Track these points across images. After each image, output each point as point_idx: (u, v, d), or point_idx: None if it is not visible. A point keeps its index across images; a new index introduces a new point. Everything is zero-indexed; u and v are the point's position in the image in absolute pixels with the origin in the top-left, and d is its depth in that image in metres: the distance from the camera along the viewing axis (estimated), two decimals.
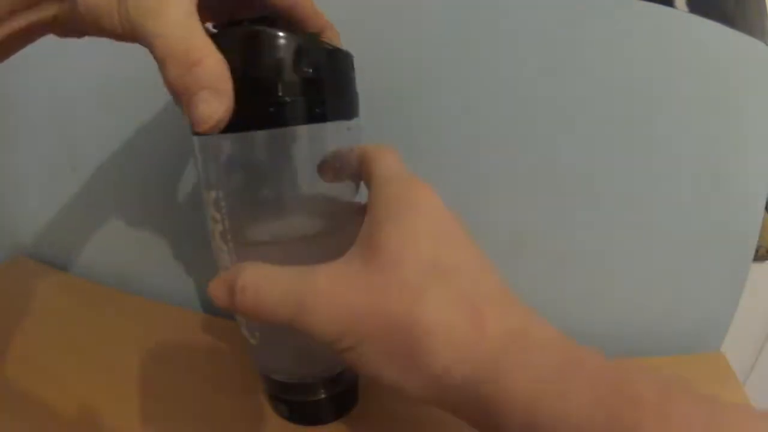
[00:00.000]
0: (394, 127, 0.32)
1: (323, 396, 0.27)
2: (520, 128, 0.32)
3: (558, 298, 0.35)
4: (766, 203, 0.34)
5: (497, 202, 0.34)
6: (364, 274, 0.17)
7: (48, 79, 0.44)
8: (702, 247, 0.34)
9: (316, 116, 0.19)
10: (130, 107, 0.40)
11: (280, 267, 0.18)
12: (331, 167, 0.22)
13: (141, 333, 0.37)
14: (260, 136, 0.20)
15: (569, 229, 0.34)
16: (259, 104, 0.18)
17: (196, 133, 0.20)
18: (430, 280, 0.16)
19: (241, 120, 0.18)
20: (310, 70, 0.18)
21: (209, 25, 0.20)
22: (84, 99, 0.42)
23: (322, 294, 0.16)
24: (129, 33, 0.17)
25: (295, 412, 0.28)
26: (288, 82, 0.18)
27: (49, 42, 0.39)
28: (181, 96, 0.16)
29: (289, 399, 0.27)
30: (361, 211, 0.20)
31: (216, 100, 0.16)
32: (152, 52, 0.16)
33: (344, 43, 0.23)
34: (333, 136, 0.21)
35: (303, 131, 0.20)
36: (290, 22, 0.21)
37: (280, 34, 0.18)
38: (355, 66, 0.22)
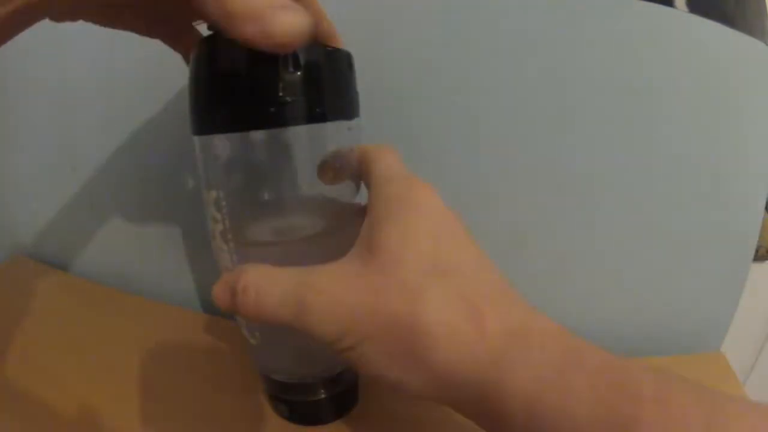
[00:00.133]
0: (394, 127, 0.32)
1: (323, 396, 0.27)
2: (520, 128, 0.32)
3: (558, 298, 0.35)
4: (766, 203, 0.34)
5: (497, 202, 0.34)
6: (365, 274, 0.17)
7: (48, 79, 0.44)
8: (702, 247, 0.34)
9: (316, 116, 0.19)
10: (131, 107, 0.40)
11: (280, 268, 0.18)
12: (330, 168, 0.22)
13: (141, 333, 0.37)
14: (260, 136, 0.20)
15: (569, 229, 0.34)
16: (259, 104, 0.18)
17: (197, 133, 0.20)
18: (430, 280, 0.16)
19: (241, 120, 0.18)
20: (310, 70, 0.18)
21: (205, 26, 0.20)
22: (84, 99, 0.42)
23: (323, 294, 0.16)
24: None
25: (295, 412, 0.28)
26: (288, 83, 0.18)
27: (49, 42, 0.39)
28: (245, 21, 0.14)
29: (289, 399, 0.27)
30: (362, 211, 0.20)
31: (294, 12, 0.14)
32: None
33: (344, 43, 0.23)
34: (333, 136, 0.21)
35: (303, 131, 0.20)
36: None
37: None
38: (355, 66, 0.22)
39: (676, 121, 0.31)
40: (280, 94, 0.18)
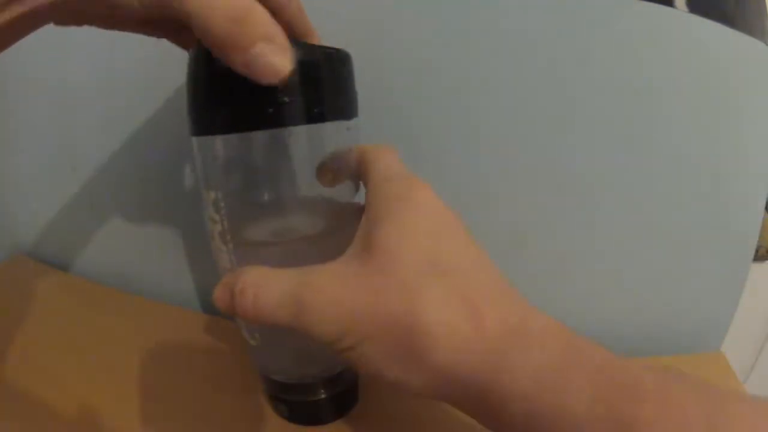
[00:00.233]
0: (394, 127, 0.32)
1: (323, 396, 0.27)
2: (520, 128, 0.32)
3: (558, 298, 0.35)
4: (766, 203, 0.34)
5: (497, 202, 0.34)
6: (363, 273, 0.17)
7: (48, 79, 0.44)
8: (702, 247, 0.34)
9: (314, 116, 0.19)
10: (131, 107, 0.40)
11: (279, 269, 0.18)
12: (329, 170, 0.22)
13: (141, 333, 0.36)
14: (259, 136, 0.20)
15: (569, 229, 0.34)
16: (257, 105, 0.18)
17: (196, 134, 0.20)
18: (429, 279, 0.16)
19: (239, 121, 0.18)
20: (309, 71, 0.18)
21: None
22: (84, 99, 0.42)
23: (322, 294, 0.16)
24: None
25: (295, 412, 0.28)
26: (285, 83, 0.18)
27: (49, 42, 0.39)
28: (231, 51, 0.15)
29: (289, 399, 0.27)
30: (361, 211, 0.20)
31: (277, 53, 0.15)
32: (186, 10, 0.15)
33: (344, 43, 0.23)
34: (332, 136, 0.21)
35: (302, 131, 0.20)
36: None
37: None
38: (354, 66, 0.22)
39: (676, 121, 0.31)
40: (279, 94, 0.18)
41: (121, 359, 0.33)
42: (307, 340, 0.17)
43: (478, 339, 0.16)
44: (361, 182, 0.22)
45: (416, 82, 0.33)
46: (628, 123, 0.31)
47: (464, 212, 0.19)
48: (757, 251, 0.34)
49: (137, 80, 0.38)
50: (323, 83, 0.19)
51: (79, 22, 0.19)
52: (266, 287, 0.17)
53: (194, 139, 0.21)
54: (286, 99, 0.18)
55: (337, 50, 0.20)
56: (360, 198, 0.23)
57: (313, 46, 0.19)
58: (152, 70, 0.37)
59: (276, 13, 0.21)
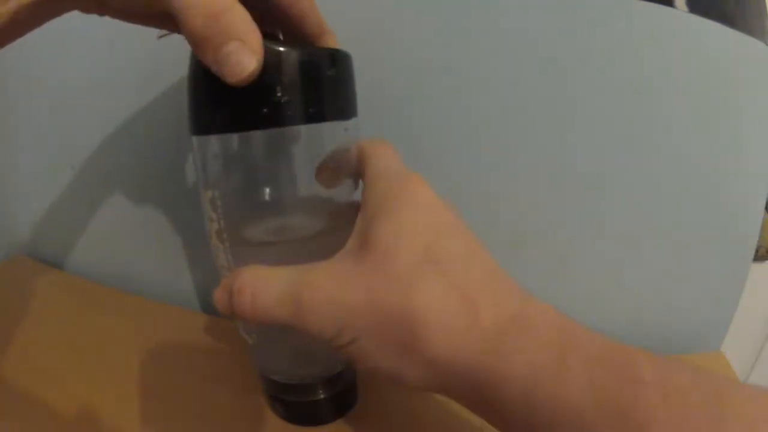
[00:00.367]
0: (394, 127, 0.32)
1: (322, 396, 0.27)
2: (520, 128, 0.32)
3: (558, 297, 0.35)
4: (766, 203, 0.34)
5: (497, 202, 0.34)
6: (360, 270, 0.17)
7: (48, 79, 0.44)
8: (702, 247, 0.34)
9: (312, 116, 0.19)
10: (130, 107, 0.40)
11: (276, 268, 0.18)
12: (327, 169, 0.22)
13: (141, 333, 0.36)
14: (256, 136, 0.20)
15: (570, 228, 0.34)
16: (255, 104, 0.18)
17: (195, 133, 0.20)
18: (423, 271, 0.16)
19: (237, 120, 0.18)
20: (307, 71, 0.18)
21: None
22: (84, 99, 0.42)
23: (319, 292, 0.17)
24: None
25: (294, 413, 0.28)
26: (284, 83, 0.18)
27: (49, 42, 0.39)
28: (205, 48, 0.16)
29: (288, 399, 0.27)
30: (359, 210, 0.20)
31: (246, 53, 0.16)
32: (172, 5, 0.15)
33: (344, 43, 0.23)
34: (330, 136, 0.21)
35: (299, 131, 0.20)
36: (289, 20, 0.21)
37: (278, 37, 0.18)
38: (354, 66, 0.22)
39: (676, 121, 0.31)
40: (278, 94, 0.18)
41: (121, 359, 0.33)
42: (305, 337, 0.17)
43: (475, 330, 0.16)
44: (359, 179, 0.22)
45: (416, 82, 0.33)
46: (629, 123, 0.31)
47: (464, 212, 0.19)
48: (757, 251, 0.34)
49: (137, 80, 0.38)
50: (323, 83, 0.19)
51: (101, 11, 0.20)
52: (264, 287, 0.17)
53: (194, 138, 0.21)
54: (284, 99, 0.18)
55: (336, 51, 0.20)
56: (359, 196, 0.23)
57: (313, 46, 0.19)
58: (152, 70, 0.37)
59: (288, 8, 0.21)
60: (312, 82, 0.19)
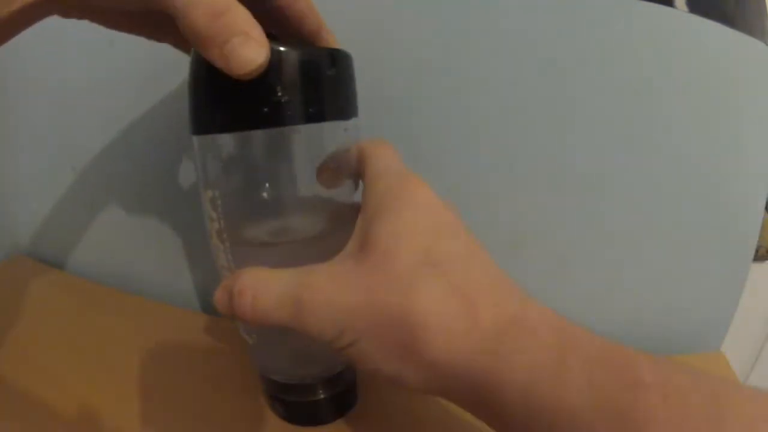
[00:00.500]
0: (394, 127, 0.32)
1: (322, 396, 0.27)
2: (520, 128, 0.32)
3: (558, 298, 0.35)
4: (766, 203, 0.34)
5: (497, 202, 0.34)
6: (358, 270, 0.17)
7: (48, 79, 0.44)
8: (702, 247, 0.34)
9: (312, 116, 0.19)
10: (130, 107, 0.40)
11: (276, 270, 0.18)
12: (327, 170, 0.22)
13: (141, 333, 0.36)
14: (256, 135, 0.20)
15: (569, 229, 0.34)
16: (257, 104, 0.18)
17: (196, 132, 0.20)
18: (423, 273, 0.16)
19: (237, 120, 0.18)
20: (307, 71, 0.18)
21: None
22: (84, 99, 0.42)
23: (319, 295, 0.17)
24: None
25: (294, 413, 0.28)
26: (284, 82, 0.18)
27: (49, 42, 0.39)
28: (210, 45, 0.16)
29: (288, 399, 0.27)
30: (359, 211, 0.20)
31: (253, 45, 0.16)
32: (172, 5, 0.16)
33: (344, 43, 0.23)
34: (330, 136, 0.21)
35: (299, 131, 0.20)
36: (288, 21, 0.21)
37: (278, 37, 0.18)
38: (355, 66, 0.22)
39: (676, 121, 0.31)
40: (278, 93, 0.18)
41: (121, 359, 0.33)
42: (306, 339, 0.17)
43: (473, 330, 0.16)
44: (360, 180, 0.22)
45: (416, 82, 0.33)
46: (628, 123, 0.31)
47: (464, 212, 0.19)
48: (757, 251, 0.34)
49: (137, 80, 0.38)
50: (323, 83, 0.19)
51: (81, 15, 0.20)
52: (264, 289, 0.17)
53: (194, 138, 0.21)
54: (284, 99, 0.18)
55: (336, 50, 0.20)
56: (359, 197, 0.23)
57: (314, 46, 0.19)
58: (152, 70, 0.37)
59: (286, 8, 0.21)
60: (312, 82, 0.19)
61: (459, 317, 0.16)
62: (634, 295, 0.36)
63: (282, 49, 0.18)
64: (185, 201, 0.41)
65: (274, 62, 0.18)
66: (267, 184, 0.22)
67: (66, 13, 0.19)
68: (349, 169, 0.22)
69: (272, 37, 0.18)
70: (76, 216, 0.47)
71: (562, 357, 0.15)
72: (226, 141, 0.20)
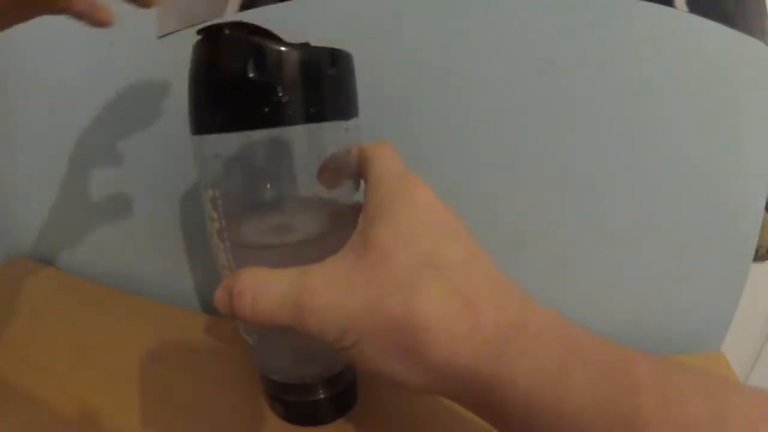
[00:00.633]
0: (394, 127, 0.32)
1: (322, 396, 0.27)
2: (520, 129, 0.32)
3: (558, 298, 0.35)
4: (766, 203, 0.34)
5: (497, 202, 0.34)
6: (360, 272, 0.17)
7: (48, 79, 0.44)
8: (702, 247, 0.34)
9: (312, 116, 0.19)
10: (131, 107, 0.40)
11: (277, 270, 0.18)
12: (328, 170, 0.22)
13: (141, 333, 0.37)
14: (257, 135, 0.20)
15: (569, 229, 0.34)
16: (257, 104, 0.18)
17: (196, 132, 0.20)
18: (424, 275, 0.16)
19: (239, 119, 0.18)
20: (307, 71, 0.18)
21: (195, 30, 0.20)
22: (84, 99, 0.42)
23: (319, 296, 0.16)
24: None
25: (294, 413, 0.28)
26: (285, 82, 0.18)
27: (49, 42, 0.39)
28: None
29: (288, 399, 0.27)
30: (360, 211, 0.20)
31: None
32: None
33: (344, 43, 0.23)
34: (330, 136, 0.21)
35: (300, 131, 0.20)
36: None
37: (279, 37, 0.18)
38: (355, 66, 0.22)
39: (676, 121, 0.31)
40: (279, 94, 0.18)
41: (121, 359, 0.33)
42: (306, 338, 0.17)
43: (475, 334, 0.16)
44: (361, 180, 0.22)
45: (416, 82, 0.33)
46: (628, 123, 0.31)
47: (464, 212, 0.19)
48: (757, 251, 0.34)
49: (137, 80, 0.39)
50: (323, 83, 0.19)
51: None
52: (264, 289, 0.17)
53: (195, 138, 0.21)
54: (284, 99, 0.18)
55: (337, 50, 0.20)
56: (360, 197, 0.23)
57: (314, 46, 0.19)
58: (152, 70, 0.37)
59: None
60: (313, 82, 0.19)
61: (460, 320, 0.16)
62: (634, 295, 0.36)
63: (283, 48, 0.18)
64: (185, 201, 0.41)
65: (275, 62, 0.18)
66: (268, 184, 0.22)
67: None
68: (350, 169, 0.22)
69: (273, 36, 0.18)
70: (76, 216, 0.48)
71: (563, 360, 0.15)
72: (227, 141, 0.20)
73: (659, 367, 0.15)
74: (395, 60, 0.32)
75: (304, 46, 0.19)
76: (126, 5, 0.24)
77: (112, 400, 0.30)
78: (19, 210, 0.51)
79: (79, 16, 0.24)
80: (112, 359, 0.33)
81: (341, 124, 0.21)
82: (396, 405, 0.29)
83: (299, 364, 0.26)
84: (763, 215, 0.34)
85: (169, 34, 0.35)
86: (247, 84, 0.17)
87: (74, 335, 0.37)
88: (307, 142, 0.21)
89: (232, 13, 0.34)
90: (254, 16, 0.34)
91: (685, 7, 0.29)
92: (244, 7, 0.34)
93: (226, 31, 0.18)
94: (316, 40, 0.19)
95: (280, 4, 0.33)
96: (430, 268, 0.16)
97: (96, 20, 0.25)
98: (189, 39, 0.20)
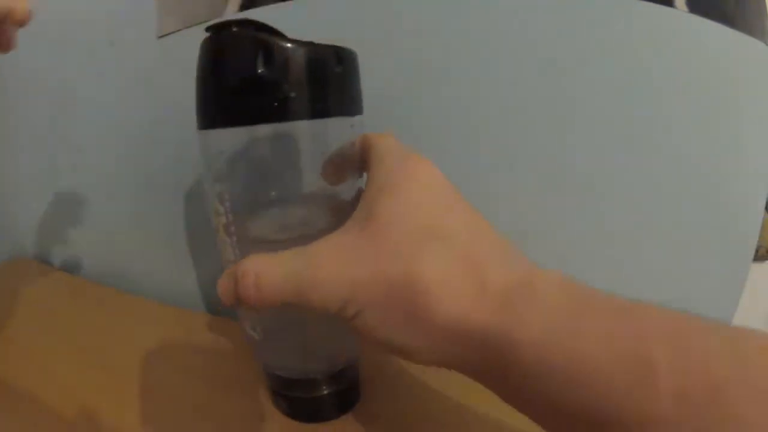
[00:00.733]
0: (394, 127, 0.32)
1: (325, 392, 0.27)
2: (521, 128, 0.32)
3: None
4: (766, 203, 0.34)
5: (497, 202, 0.34)
6: (361, 243, 0.17)
7: (48, 79, 0.44)
8: (702, 247, 0.34)
9: (318, 112, 0.19)
10: (130, 107, 0.40)
11: (279, 252, 0.18)
12: (332, 164, 0.22)
13: (141, 333, 0.36)
14: (264, 130, 0.20)
15: (569, 229, 0.34)
16: (263, 99, 0.18)
17: (203, 127, 0.21)
18: (427, 243, 0.16)
19: (245, 114, 0.19)
20: (314, 67, 0.18)
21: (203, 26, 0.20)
22: (84, 99, 0.42)
23: (321, 270, 0.17)
24: None
25: (297, 409, 0.28)
26: (291, 78, 0.18)
27: (49, 42, 0.39)
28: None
29: (292, 395, 0.27)
30: None
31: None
32: None
33: (344, 42, 0.23)
34: (336, 132, 0.21)
35: (306, 126, 0.20)
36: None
37: (285, 35, 0.18)
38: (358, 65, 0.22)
39: (676, 121, 0.31)
40: (284, 89, 0.18)
41: (121, 359, 0.33)
42: (311, 313, 0.17)
43: (484, 294, 0.16)
44: (364, 174, 0.22)
45: (416, 82, 0.33)
46: (628, 123, 0.31)
47: None
48: (757, 251, 0.34)
49: (137, 80, 0.39)
50: (329, 80, 0.19)
51: None
52: (267, 269, 0.17)
53: (202, 133, 0.21)
54: (292, 94, 0.18)
55: (342, 48, 0.20)
56: None
57: (321, 44, 0.19)
58: (152, 70, 0.37)
59: None
60: (319, 78, 0.19)
61: (466, 281, 0.16)
62: (634, 296, 0.36)
63: (290, 45, 0.18)
64: (185, 201, 0.41)
65: (282, 58, 0.18)
66: (275, 179, 0.22)
67: None
68: (354, 162, 0.22)
69: (279, 34, 0.19)
70: (76, 216, 0.48)
71: (575, 312, 0.15)
72: (235, 136, 0.21)
73: (670, 315, 0.15)
74: (395, 60, 0.32)
75: (312, 44, 0.19)
76: (123, 8, 0.24)
77: (112, 400, 0.29)
78: (19, 210, 0.51)
79: None
80: (112, 359, 0.33)
81: (347, 120, 0.21)
82: (399, 402, 0.29)
83: (303, 358, 0.26)
84: (763, 215, 0.34)
85: (169, 34, 0.35)
86: (255, 79, 0.17)
87: (74, 335, 0.37)
88: (313, 137, 0.21)
89: (231, 13, 0.34)
90: (254, 16, 0.34)
91: (685, 7, 0.29)
92: (243, 7, 0.34)
93: (234, 28, 0.18)
94: (317, 40, 0.20)
95: (281, 4, 0.33)
96: (433, 237, 0.17)
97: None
98: (189, 39, 0.20)
